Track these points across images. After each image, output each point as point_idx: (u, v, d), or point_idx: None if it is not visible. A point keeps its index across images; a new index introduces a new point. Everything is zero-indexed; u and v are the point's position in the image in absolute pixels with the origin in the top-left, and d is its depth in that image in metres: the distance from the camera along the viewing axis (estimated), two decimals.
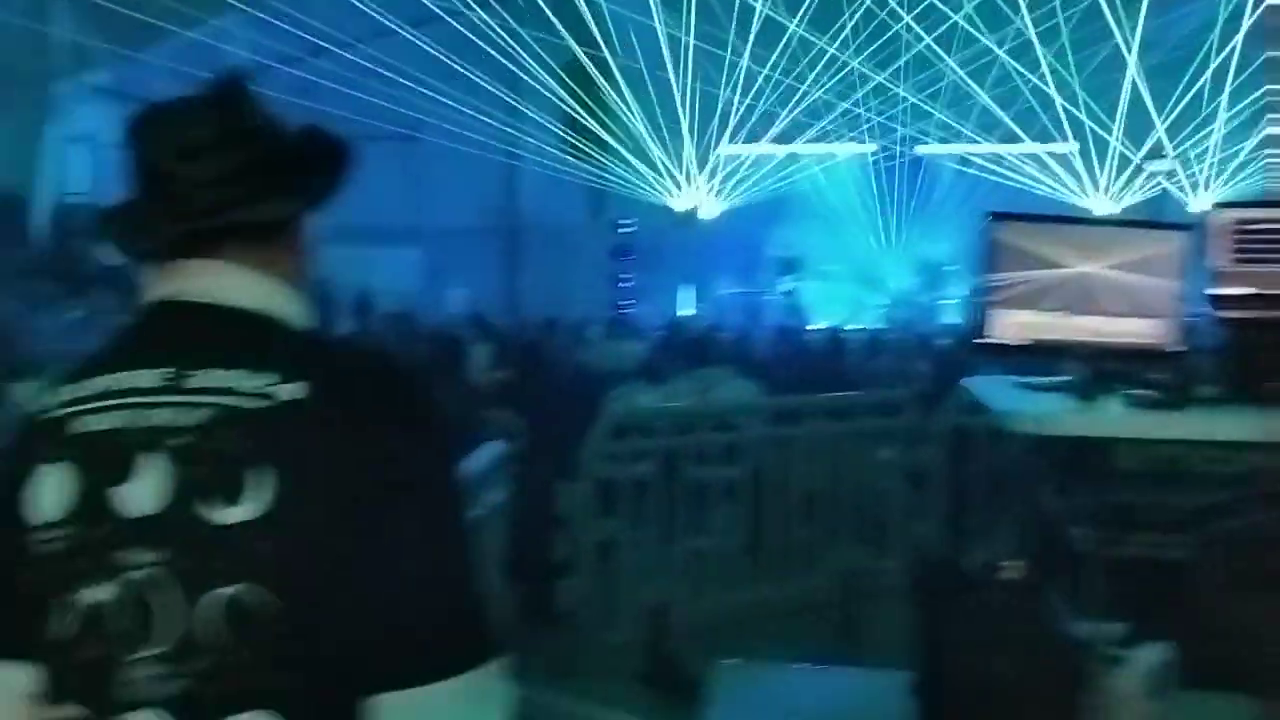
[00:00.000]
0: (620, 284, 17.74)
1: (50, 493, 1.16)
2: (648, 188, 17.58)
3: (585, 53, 16.30)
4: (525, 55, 15.63)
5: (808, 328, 14.68)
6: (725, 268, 18.10)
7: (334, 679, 1.12)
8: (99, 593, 1.12)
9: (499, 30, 15.16)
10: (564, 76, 16.78)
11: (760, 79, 16.46)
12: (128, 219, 1.29)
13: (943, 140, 17.50)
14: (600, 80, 16.72)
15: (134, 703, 1.10)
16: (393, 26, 14.68)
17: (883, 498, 6.28)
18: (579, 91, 16.89)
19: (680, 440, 5.61)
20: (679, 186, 17.75)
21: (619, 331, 10.34)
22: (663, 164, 17.37)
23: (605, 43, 16.25)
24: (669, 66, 16.27)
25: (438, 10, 14.96)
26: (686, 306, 17.66)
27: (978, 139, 17.10)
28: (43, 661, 1.18)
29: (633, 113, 16.82)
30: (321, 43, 15.29)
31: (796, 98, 16.66)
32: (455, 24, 14.99)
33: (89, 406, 1.18)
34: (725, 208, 18.18)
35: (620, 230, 17.98)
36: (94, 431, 1.17)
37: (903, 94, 16.47)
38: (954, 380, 4.60)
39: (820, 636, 4.96)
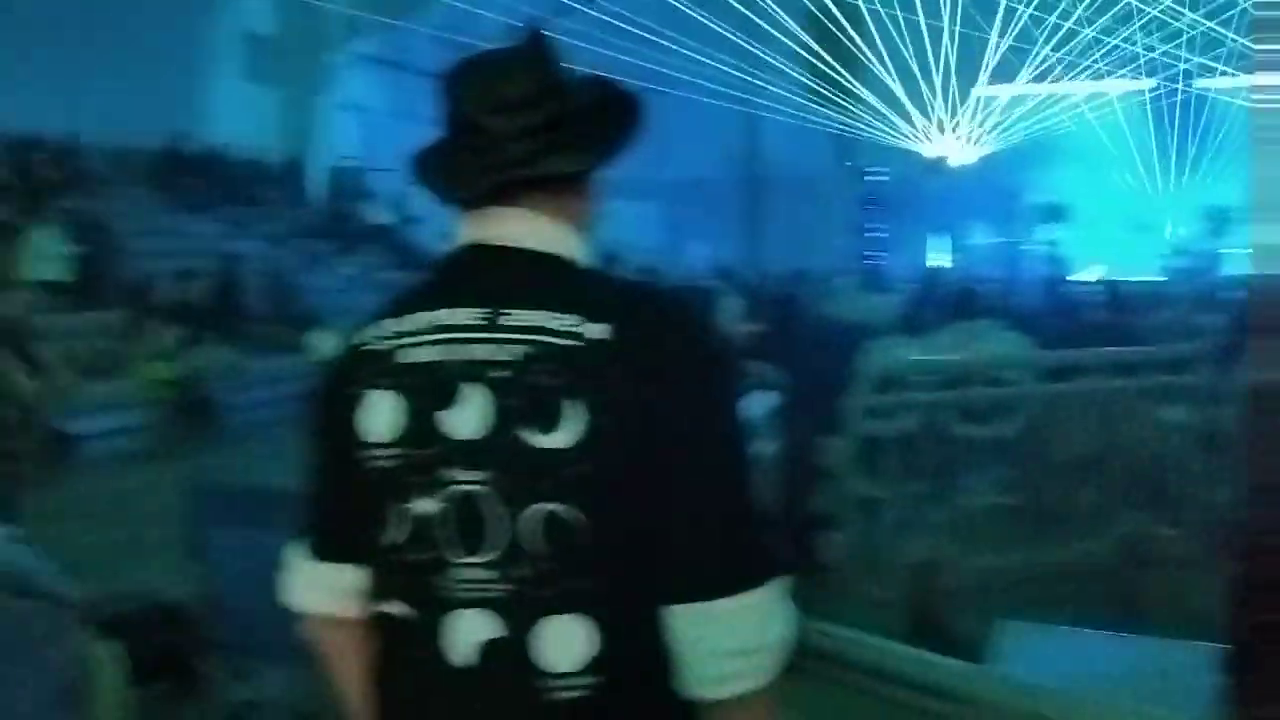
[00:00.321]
0: (869, 234, 17.20)
1: (381, 415, 1.26)
2: (897, 134, 16.90)
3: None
4: (768, 3, 15.31)
5: (1072, 279, 13.73)
6: (980, 216, 17.21)
7: (636, 589, 1.22)
8: (427, 505, 1.23)
9: None
10: (809, 23, 16.33)
11: (1023, 16, 15.39)
12: (440, 165, 1.36)
13: (1229, 74, 15.77)
14: (847, 25, 16.15)
15: (461, 603, 1.22)
16: None
17: (1167, 460, 5.76)
18: (824, 38, 16.40)
19: (946, 395, 5.34)
20: (930, 133, 16.96)
21: (870, 283, 10.00)
22: (913, 109, 16.63)
23: None
24: (918, 6, 15.50)
25: None
26: (939, 257, 16.93)
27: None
28: (372, 564, 1.31)
29: (882, 57, 16.17)
30: (566, 2, 15.60)
31: (1060, 35, 15.47)
32: None
33: (413, 340, 1.27)
34: (980, 153, 17.24)
35: (868, 179, 17.41)
36: (419, 362, 1.26)
37: (1187, 24, 14.94)
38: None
39: (1097, 603, 4.65)
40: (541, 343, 1.21)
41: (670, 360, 1.23)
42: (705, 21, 14.93)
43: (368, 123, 18.32)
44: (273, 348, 11.19)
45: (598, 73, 1.43)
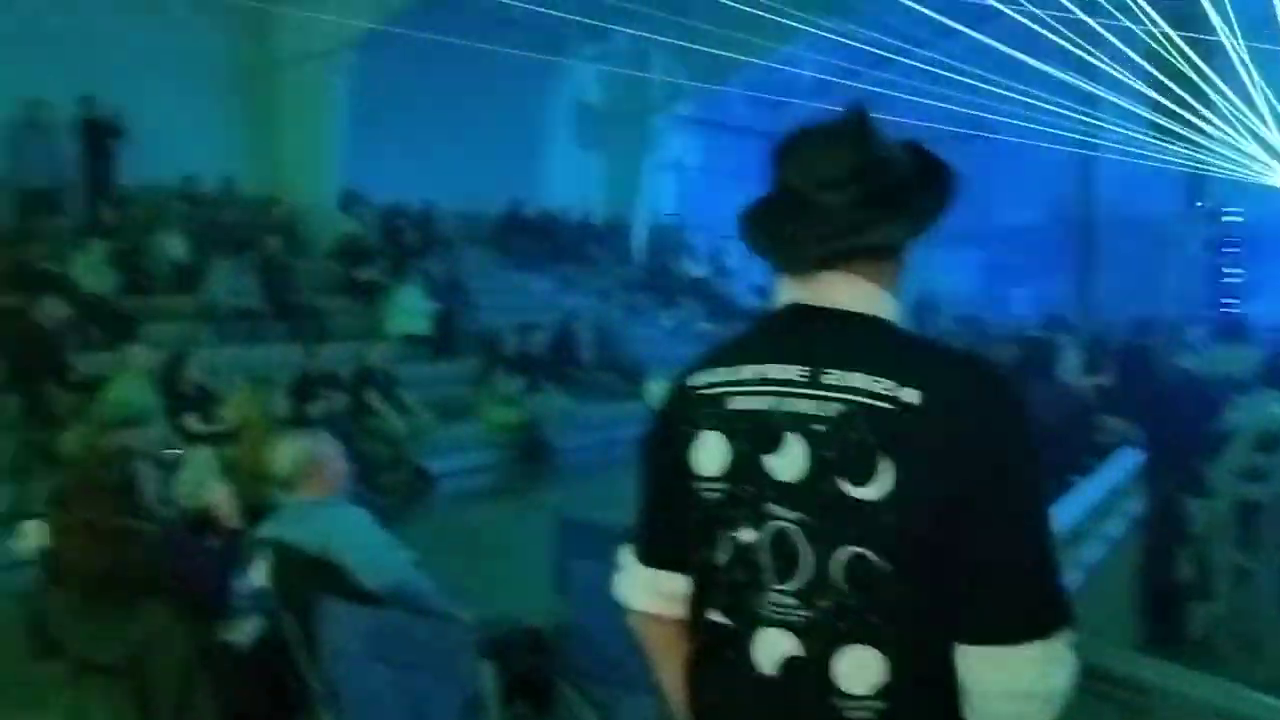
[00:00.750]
0: (1225, 279, 15.65)
1: (712, 453, 1.44)
2: (1255, 171, 15.30)
3: (1176, 33, 14.62)
4: (1104, 40, 14.42)
5: None
6: None
7: (929, 627, 1.33)
8: (749, 534, 1.41)
9: (1070, 18, 14.18)
10: (1150, 57, 15.21)
11: None
12: (767, 230, 1.50)
13: None
14: (1194, 57, 14.88)
15: (769, 622, 1.38)
16: (955, 27, 14.42)
17: None
18: (1170, 72, 15.19)
19: None
20: None
21: (1229, 333, 9.06)
22: (1275, 142, 15.00)
23: (1197, 17, 14.46)
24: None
25: (1002, 6, 14.41)
26: None
27: None
28: (695, 576, 1.49)
29: (1235, 89, 14.75)
30: (880, 53, 15.50)
31: None
32: (1021, 17, 14.32)
33: (741, 389, 1.44)
34: None
35: (1224, 219, 15.86)
36: (747, 410, 1.43)
37: None
38: None
39: None
40: (858, 403, 1.34)
41: (976, 426, 1.32)
42: (1033, 64, 14.29)
43: (685, 180, 19.04)
44: (602, 395, 11.82)
45: (914, 140, 1.52)
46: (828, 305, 1.43)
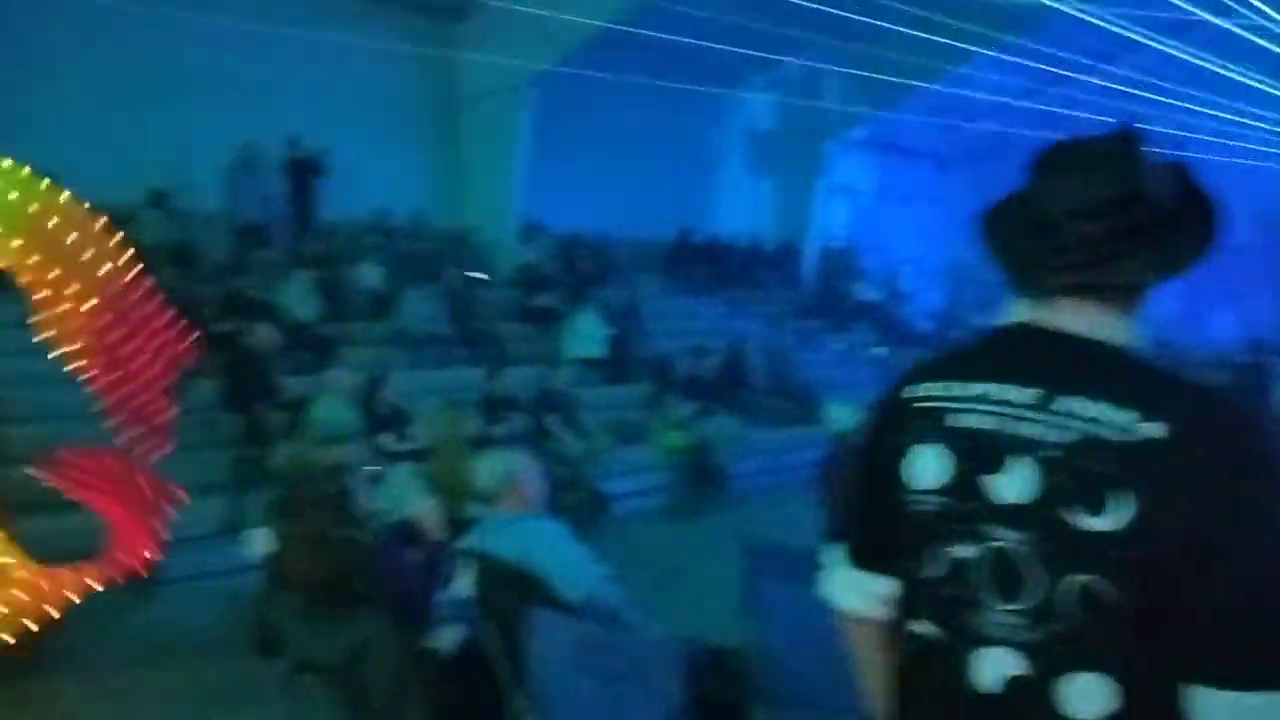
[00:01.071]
0: None
1: (927, 467, 1.43)
2: None
3: None
4: None
5: None
6: None
7: (1162, 661, 1.28)
8: (965, 551, 1.39)
9: (1274, 29, 13.35)
10: None
11: None
12: (1006, 245, 1.47)
13: None
14: None
15: (991, 640, 1.36)
16: (1143, 41, 13.79)
17: None
18: None
19: None
20: None
21: None
22: None
23: None
24: None
25: (1200, 14, 13.69)
26: None
27: None
28: (904, 584, 1.49)
29: None
30: (1061, 71, 14.96)
31: None
32: (1222, 24, 13.55)
33: (962, 406, 1.42)
34: None
35: None
36: (968, 428, 1.41)
37: None
38: None
39: None
40: (1092, 433, 1.30)
41: (1221, 464, 1.27)
42: (1235, 75, 13.52)
43: (858, 204, 18.85)
44: (772, 419, 11.82)
45: (1182, 165, 1.43)
46: (1065, 330, 1.40)
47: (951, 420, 1.43)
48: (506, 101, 13.30)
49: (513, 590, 3.36)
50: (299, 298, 10.35)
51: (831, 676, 3.59)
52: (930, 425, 1.45)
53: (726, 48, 12.39)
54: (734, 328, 13.77)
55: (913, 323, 16.65)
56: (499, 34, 12.65)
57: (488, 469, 3.57)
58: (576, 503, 8.82)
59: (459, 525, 4.94)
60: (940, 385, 1.47)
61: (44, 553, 6.04)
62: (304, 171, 11.80)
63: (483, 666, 3.53)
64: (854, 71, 13.69)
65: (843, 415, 5.93)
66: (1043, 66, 14.45)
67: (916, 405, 1.48)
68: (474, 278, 11.96)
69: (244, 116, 11.61)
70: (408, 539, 3.93)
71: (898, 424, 1.49)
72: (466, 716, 3.59)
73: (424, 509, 3.91)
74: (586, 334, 11.81)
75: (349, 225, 12.30)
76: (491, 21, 13.08)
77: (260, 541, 3.94)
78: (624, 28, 11.91)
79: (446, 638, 3.80)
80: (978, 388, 1.43)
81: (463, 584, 3.56)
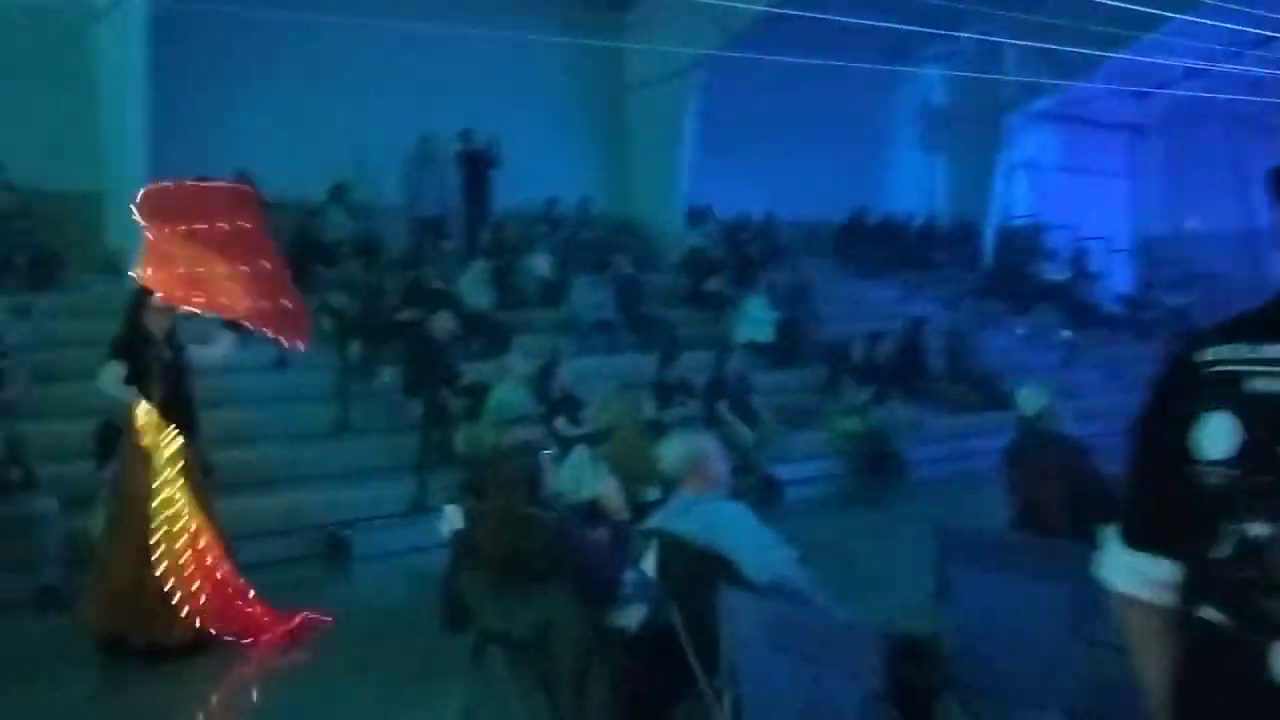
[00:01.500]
0: None
1: (1217, 436, 1.32)
2: None
3: None
4: None
5: None
6: None
7: None
8: (1260, 529, 1.27)
9: None
10: None
11: None
12: None
13: None
14: None
15: None
16: None
17: None
18: None
19: None
20: None
21: None
22: None
23: None
24: None
25: None
26: None
27: None
28: (1188, 566, 1.39)
29: None
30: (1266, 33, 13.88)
31: None
32: None
33: (1257, 369, 1.31)
34: None
35: None
36: (1263, 393, 1.30)
37: None
38: None
39: None
40: None
41: None
42: None
43: (1041, 179, 17.98)
44: (952, 405, 11.40)
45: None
46: None
47: (1245, 385, 1.33)
48: (672, 86, 13.29)
49: (699, 571, 3.32)
50: (475, 287, 10.64)
51: (1026, 666, 3.44)
52: (1221, 391, 1.35)
53: (898, 26, 12.05)
54: (908, 310, 13.37)
55: (1101, 305, 15.74)
56: (664, 19, 12.65)
57: (673, 450, 3.55)
58: (748, 489, 8.74)
59: (639, 507, 4.96)
60: (1229, 348, 1.36)
61: (246, 529, 6.44)
62: (477, 163, 12.11)
63: (668, 645, 3.52)
64: (1034, 44, 13.04)
65: (1033, 398, 5.63)
66: (1243, 29, 13.42)
67: (1209, 370, 1.37)
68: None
69: (419, 112, 12.04)
70: (592, 519, 3.96)
71: (1184, 390, 1.39)
72: (651, 694, 3.58)
73: (607, 490, 3.93)
74: (755, 318, 11.69)
75: (520, 215, 12.55)
76: (656, 7, 13.11)
77: (450, 519, 4.03)
78: (789, 11, 11.72)
79: (632, 616, 3.81)
80: (1272, 349, 1.32)
81: (648, 564, 3.55)
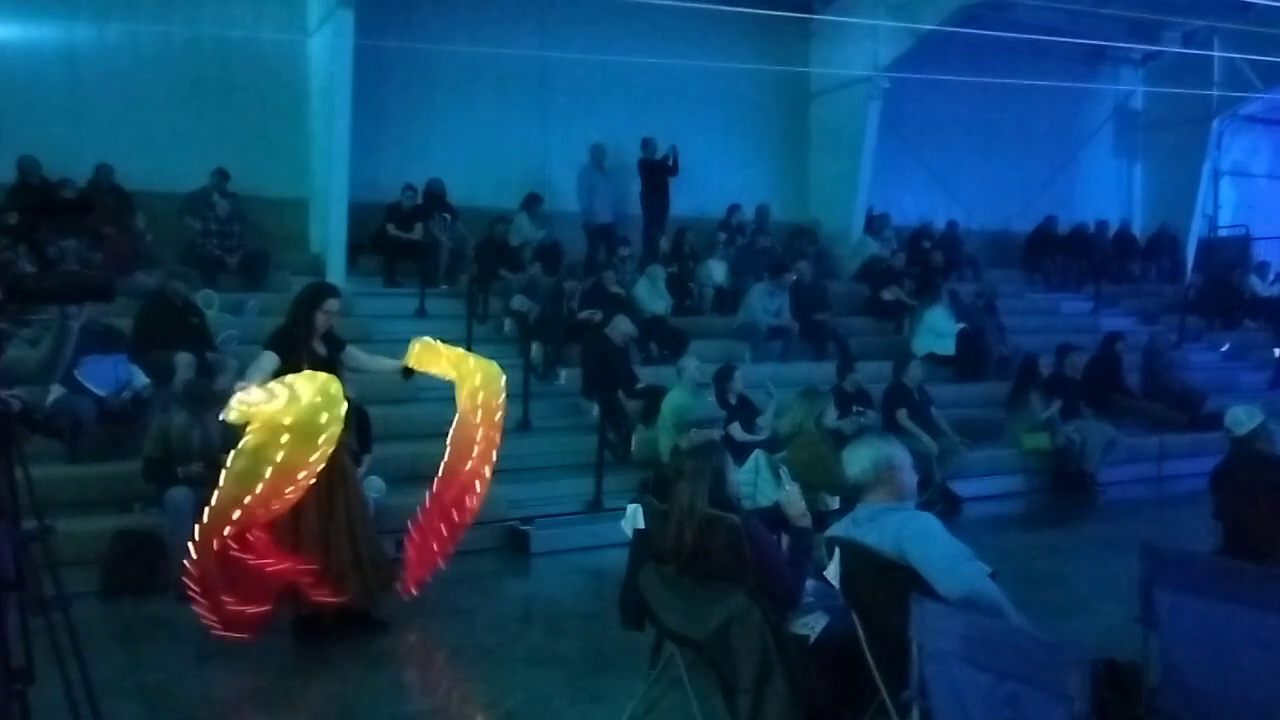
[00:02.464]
0: None
1: None
2: None
3: None
4: None
5: None
6: None
7: None
8: None
9: None
10: None
11: None
12: None
13: None
14: None
15: None
16: None
17: None
18: None
19: None
20: None
21: None
22: None
23: None
24: None
25: None
26: None
27: None
28: None
29: None
30: None
31: None
32: None
33: None
34: None
35: None
36: None
37: None
38: None
39: None
40: None
41: None
42: None
43: (1250, 188, 16.79)
44: (1148, 423, 10.77)
45: None
46: None
47: None
48: (855, 92, 13.10)
49: (886, 582, 3.25)
50: (652, 292, 10.76)
51: (1240, 699, 3.20)
52: None
53: (1090, 42, 11.52)
54: (1101, 324, 12.71)
55: None
56: (847, 27, 12.48)
57: (861, 457, 3.47)
58: (928, 503, 8.49)
59: (818, 516, 4.89)
60: None
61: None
62: (656, 172, 12.25)
63: (849, 656, 3.45)
64: (1239, 56, 12.20)
65: (1246, 418, 5.26)
66: None
67: None
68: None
69: (603, 123, 12.33)
70: (774, 524, 3.92)
71: None
72: (832, 703, 3.52)
73: (791, 495, 3.89)
74: (936, 329, 11.35)
75: (698, 222, 12.62)
76: (840, 12, 12.95)
77: (633, 517, 4.08)
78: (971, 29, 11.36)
79: (813, 625, 3.76)
80: None
81: (831, 572, 3.50)
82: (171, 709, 4.49)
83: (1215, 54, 14.00)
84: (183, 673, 4.91)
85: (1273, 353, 12.87)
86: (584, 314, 9.82)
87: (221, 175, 10.29)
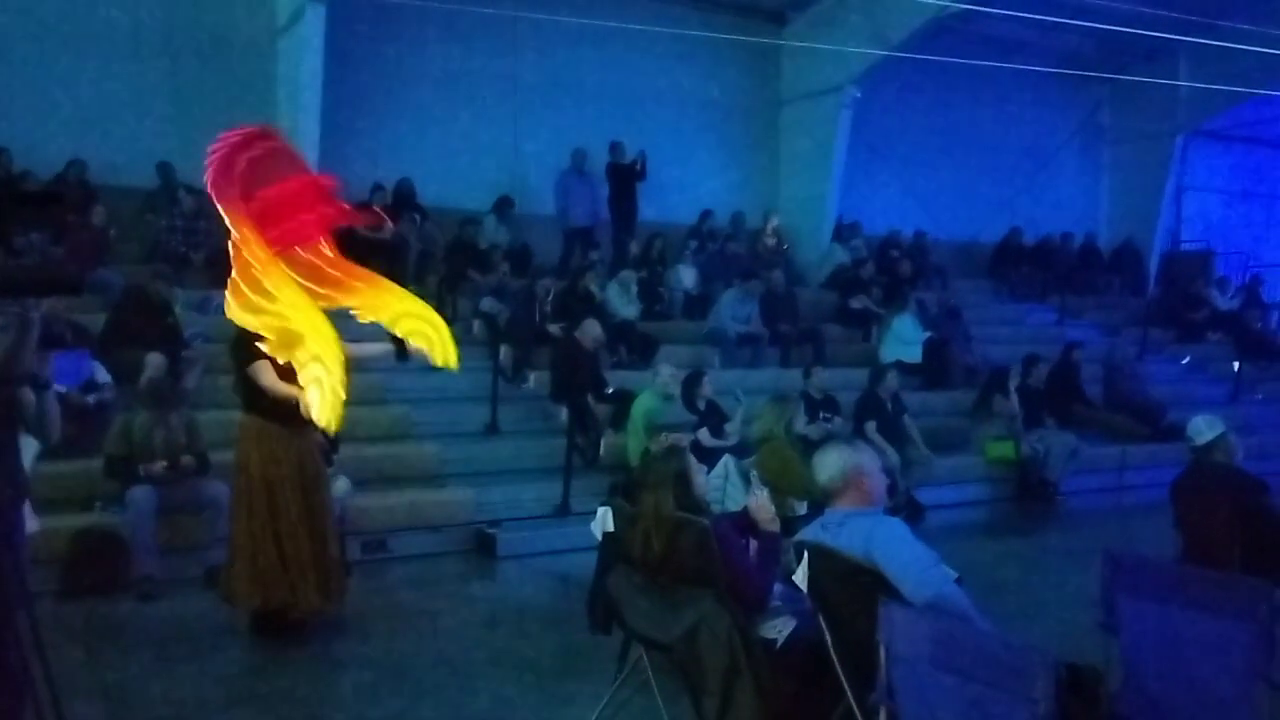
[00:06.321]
0: None
1: None
2: None
3: None
4: None
5: None
6: None
7: None
8: None
9: None
10: None
11: None
12: None
13: None
14: None
15: None
16: None
17: None
18: None
19: None
20: None
21: None
22: None
23: None
24: None
25: None
26: None
27: None
28: None
29: None
30: None
31: None
32: None
33: None
34: None
35: None
36: None
37: None
38: None
39: None
40: None
41: None
42: None
43: (1212, 203, 17.08)
44: (1109, 434, 10.92)
45: None
46: None
47: None
48: (825, 103, 13.20)
49: (854, 586, 3.27)
50: (621, 297, 10.76)
51: (1198, 704, 3.26)
52: None
53: (1052, 71, 11.66)
54: (1065, 335, 12.87)
55: (1275, 336, 14.80)
56: (819, 35, 12.56)
57: (830, 462, 3.50)
58: (892, 509, 8.55)
59: (785, 521, 4.92)
60: None
61: (401, 522, 6.67)
62: (624, 176, 12.26)
63: (816, 659, 3.47)
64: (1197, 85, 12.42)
65: (1207, 429, 5.33)
66: None
67: None
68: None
69: (575, 125, 12.32)
70: (743, 529, 3.94)
71: None
72: (799, 706, 3.54)
73: (759, 499, 3.91)
74: (903, 337, 11.43)
75: (668, 227, 12.64)
76: (811, 23, 13.04)
77: (602, 521, 4.08)
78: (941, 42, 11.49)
79: (780, 628, 3.78)
80: None
81: (799, 577, 3.52)
82: (132, 709, 4.43)
83: (1180, 75, 14.25)
84: (144, 673, 4.85)
85: (1232, 366, 13.08)
86: (551, 328, 9.78)
87: (166, 169, 10.24)
